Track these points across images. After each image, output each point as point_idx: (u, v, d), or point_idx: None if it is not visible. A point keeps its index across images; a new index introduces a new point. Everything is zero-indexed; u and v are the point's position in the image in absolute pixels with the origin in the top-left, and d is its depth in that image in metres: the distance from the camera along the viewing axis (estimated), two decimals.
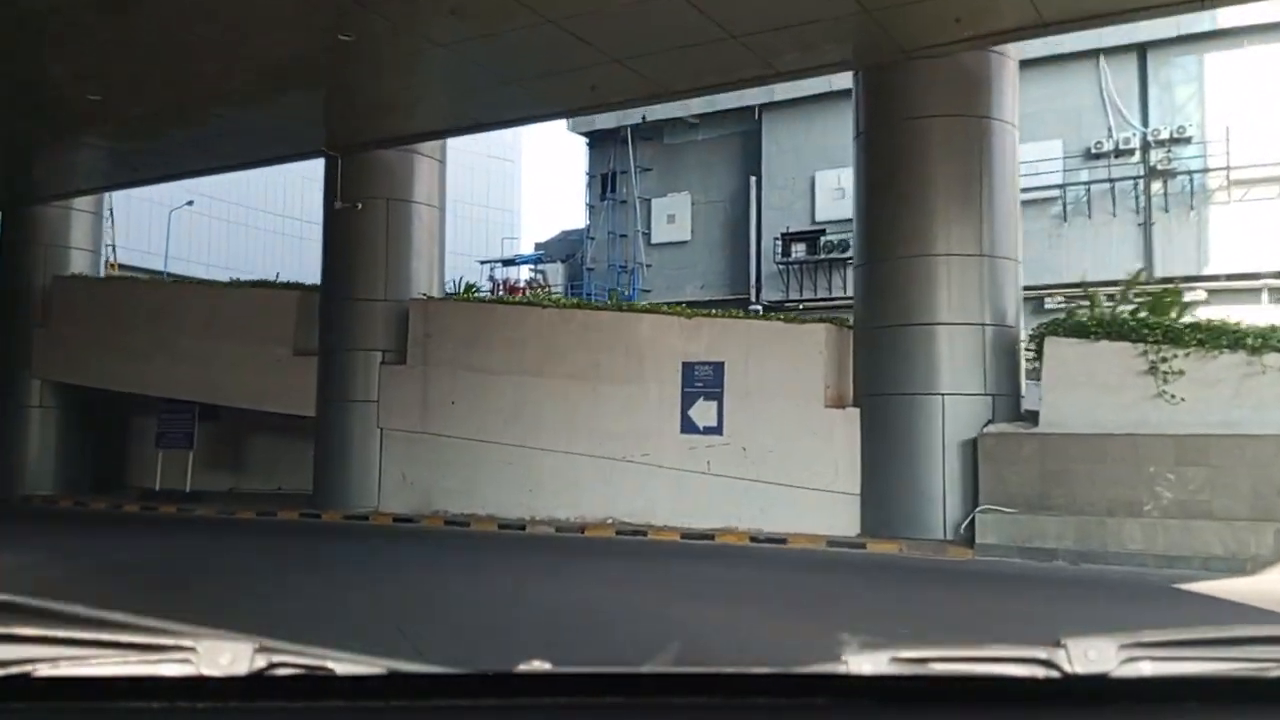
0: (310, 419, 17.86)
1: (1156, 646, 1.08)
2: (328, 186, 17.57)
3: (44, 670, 1.03)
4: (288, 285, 19.00)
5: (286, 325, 18.45)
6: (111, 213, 41.25)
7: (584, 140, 42.03)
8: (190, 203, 41.58)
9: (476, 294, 17.43)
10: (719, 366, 14.36)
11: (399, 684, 1.07)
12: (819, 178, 29.11)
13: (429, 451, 16.61)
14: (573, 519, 15.15)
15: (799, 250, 27.26)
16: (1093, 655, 1.06)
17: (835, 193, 28.04)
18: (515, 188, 68.70)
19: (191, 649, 1.03)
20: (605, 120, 40.60)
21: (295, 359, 18.26)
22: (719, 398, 14.30)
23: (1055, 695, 1.07)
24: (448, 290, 18.06)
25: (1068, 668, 1.05)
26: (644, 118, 38.67)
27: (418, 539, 14.42)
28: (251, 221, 42.07)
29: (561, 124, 41.56)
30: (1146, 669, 1.07)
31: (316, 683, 1.05)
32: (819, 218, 28.48)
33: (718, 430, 14.28)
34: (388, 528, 15.75)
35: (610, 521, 14.80)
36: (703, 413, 14.39)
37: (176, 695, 1.04)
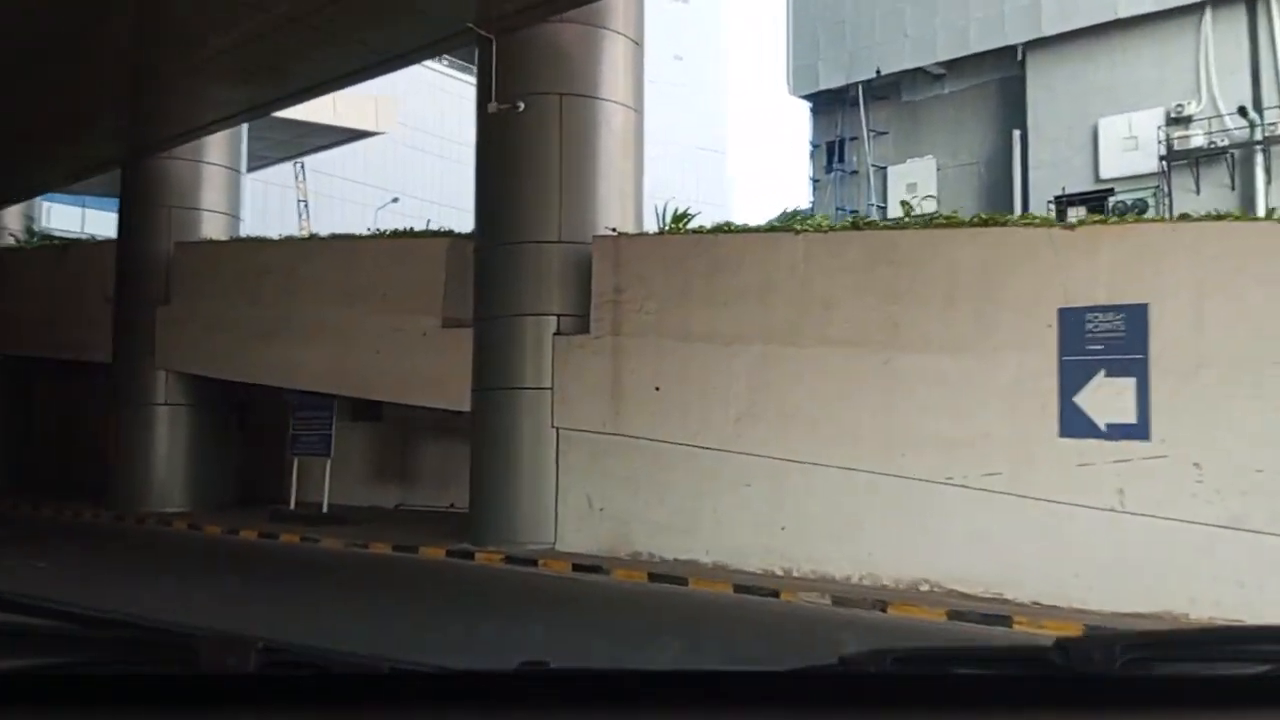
0: (468, 415, 12.53)
1: (1156, 646, 1.07)
2: (480, 84, 12.11)
3: (44, 670, 1.01)
4: (433, 233, 13.69)
5: (433, 286, 13.20)
6: (303, 167, 38.68)
7: (806, 105, 35.90)
8: (395, 200, 38.34)
9: (688, 224, 11.37)
10: (1138, 314, 7.68)
11: (399, 684, 1.06)
12: (1103, 126, 23.04)
13: (625, 463, 10.82)
14: (858, 580, 8.93)
15: (1078, 215, 21.41)
16: (1093, 655, 1.03)
17: (1126, 143, 23.70)
18: (724, 180, 62.86)
19: (192, 649, 1.01)
20: (831, 77, 34.40)
21: (445, 333, 12.96)
22: (1140, 372, 7.62)
23: (1055, 695, 1.04)
24: (652, 227, 12.18)
25: (1068, 668, 1.03)
26: (878, 71, 32.29)
27: (604, 610, 8.62)
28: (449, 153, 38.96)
29: (781, 88, 35.61)
30: (1146, 669, 1.05)
31: (317, 682, 1.04)
32: (1104, 174, 23.88)
33: (1139, 432, 7.61)
34: (561, 583, 10.09)
35: (927, 588, 8.46)
36: (1107, 399, 7.79)
37: (178, 695, 1.01)
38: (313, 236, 15.30)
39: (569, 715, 1.03)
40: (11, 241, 21.11)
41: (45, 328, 19.64)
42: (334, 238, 14.88)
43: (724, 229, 10.77)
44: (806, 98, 35.93)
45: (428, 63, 34.65)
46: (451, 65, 38.53)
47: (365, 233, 14.13)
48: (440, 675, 1.06)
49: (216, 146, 17.57)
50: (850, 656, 1.06)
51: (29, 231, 20.95)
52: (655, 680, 1.06)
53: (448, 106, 40.38)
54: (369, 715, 1.03)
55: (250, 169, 29.87)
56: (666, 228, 11.53)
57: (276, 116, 27.88)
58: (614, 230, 11.42)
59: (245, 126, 18.81)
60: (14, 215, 21.91)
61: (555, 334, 11.62)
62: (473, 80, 13.09)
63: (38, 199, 24.50)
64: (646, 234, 11.38)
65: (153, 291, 17.12)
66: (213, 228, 17.20)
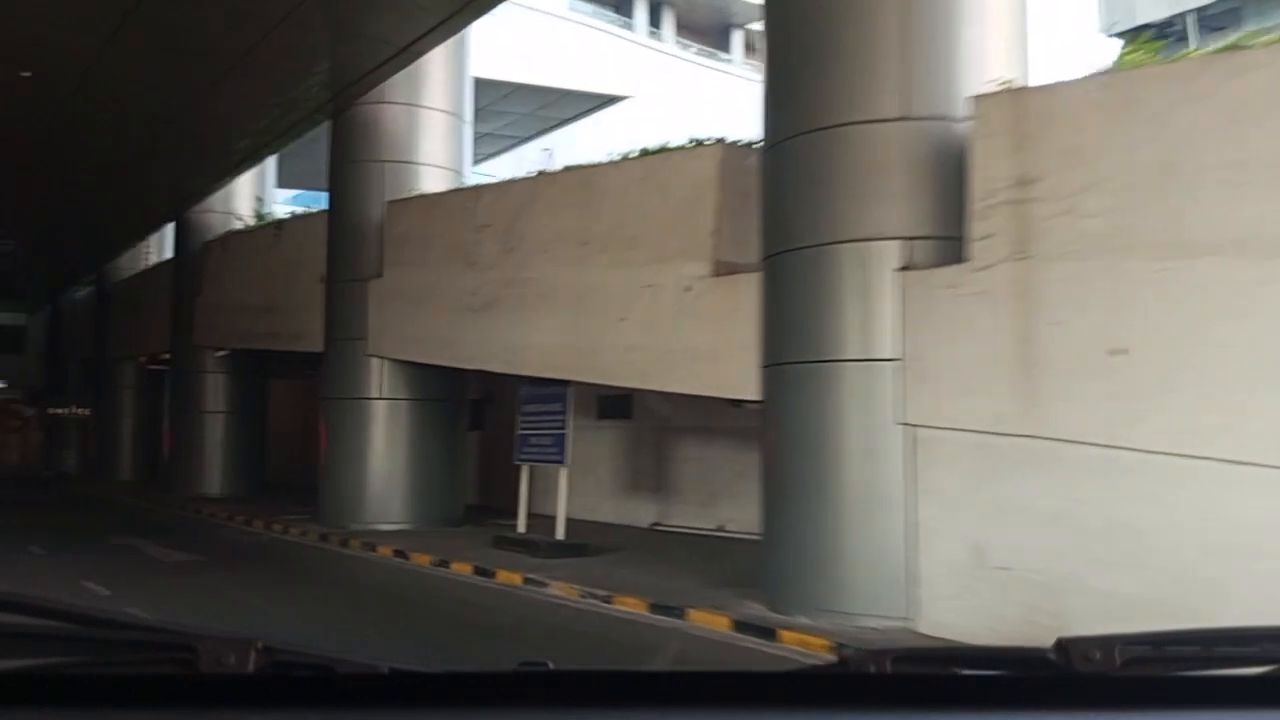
0: (746, 409, 8.18)
1: (1156, 646, 1.05)
2: None
3: (44, 670, 1.01)
4: (696, 144, 9.33)
5: (698, 220, 8.92)
6: (550, 154, 35.64)
7: (1118, 45, 29.06)
8: None
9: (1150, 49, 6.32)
10: None
11: (399, 684, 1.04)
12: None
13: (1049, 488, 5.99)
14: None
15: None
16: (1093, 655, 1.03)
17: None
18: None
19: (193, 649, 1.00)
20: (1151, 8, 27.67)
21: (716, 286, 8.64)
22: None
23: (1055, 695, 1.03)
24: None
25: (1068, 667, 1.03)
26: None
27: None
28: None
29: (1086, 26, 29.21)
30: (1146, 669, 1.05)
31: (317, 683, 1.03)
32: None
33: None
34: None
35: None
36: None
37: (176, 695, 1.01)
38: (540, 173, 11.40)
39: (569, 716, 1.01)
40: (238, 225, 19.06)
41: (264, 316, 17.27)
42: (565, 170, 10.89)
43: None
44: (1120, 35, 29.31)
45: (657, 45, 30.83)
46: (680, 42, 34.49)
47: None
48: (440, 676, 1.03)
49: (435, 87, 14.28)
50: (850, 656, 1.05)
51: (258, 215, 18.82)
52: (655, 681, 1.05)
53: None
54: (369, 715, 1.01)
55: (490, 155, 27.36)
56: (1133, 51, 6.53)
57: (519, 84, 25.25)
58: (1005, 84, 6.58)
59: (470, 72, 15.50)
60: (245, 197, 19.95)
61: (900, 269, 6.96)
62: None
63: (270, 190, 22.69)
64: (1077, 80, 6.38)
65: (364, 264, 14.03)
66: (433, 186, 13.86)
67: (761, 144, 8.04)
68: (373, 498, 13.81)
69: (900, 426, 6.87)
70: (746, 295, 8.16)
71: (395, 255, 13.60)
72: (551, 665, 1.05)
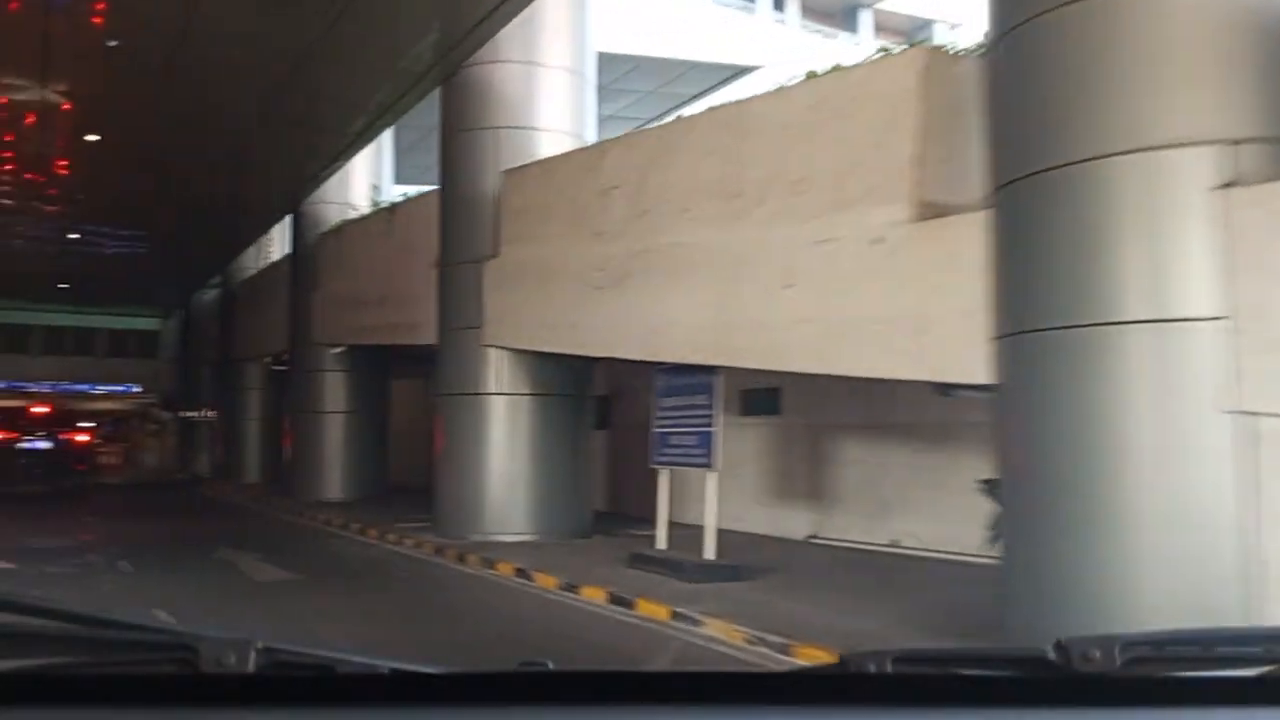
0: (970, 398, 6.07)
1: (1156, 646, 1.05)
2: None
3: (44, 670, 1.01)
4: (884, 54, 7.19)
5: (890, 151, 6.82)
6: None
7: None
8: None
9: None
10: None
11: (399, 684, 1.04)
12: None
13: None
14: None
15: None
16: (1093, 655, 1.01)
17: None
18: None
19: (192, 649, 1.00)
20: None
21: (917, 234, 6.53)
22: None
23: (1055, 695, 1.03)
24: None
25: (1068, 668, 1.02)
26: None
27: None
28: None
29: None
30: (1146, 669, 1.04)
31: (317, 683, 1.02)
32: None
33: None
34: None
35: None
36: None
37: (176, 695, 1.00)
38: (677, 119, 9.51)
39: (569, 716, 1.01)
40: (352, 214, 17.88)
41: (380, 308, 15.95)
42: (709, 111, 8.90)
43: None
44: None
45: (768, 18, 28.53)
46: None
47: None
48: (440, 676, 1.02)
49: (553, 42, 12.58)
50: (850, 656, 1.04)
51: (374, 205, 17.62)
52: (655, 681, 1.06)
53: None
54: (369, 715, 1.00)
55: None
56: None
57: (642, 57, 23.52)
58: None
59: (592, 29, 13.76)
60: (360, 187, 18.80)
61: (1219, 188, 4.74)
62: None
63: (389, 187, 21.55)
64: None
65: (478, 243, 12.43)
66: (552, 153, 12.13)
67: (984, 41, 5.91)
68: (492, 505, 12.19)
69: (1228, 416, 4.65)
70: (965, 243, 6.05)
71: (512, 231, 11.93)
72: (551, 665, 1.04)
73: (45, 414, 20.61)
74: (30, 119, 15.57)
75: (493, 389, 12.31)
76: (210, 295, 30.15)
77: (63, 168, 18.93)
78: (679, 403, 9.53)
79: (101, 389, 34.38)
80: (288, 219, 21.18)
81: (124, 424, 42.56)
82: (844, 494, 11.89)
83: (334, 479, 18.67)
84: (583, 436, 12.64)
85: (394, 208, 15.76)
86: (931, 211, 6.53)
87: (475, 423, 12.37)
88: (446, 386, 12.72)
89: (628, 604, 7.97)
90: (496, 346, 12.19)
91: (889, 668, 1.03)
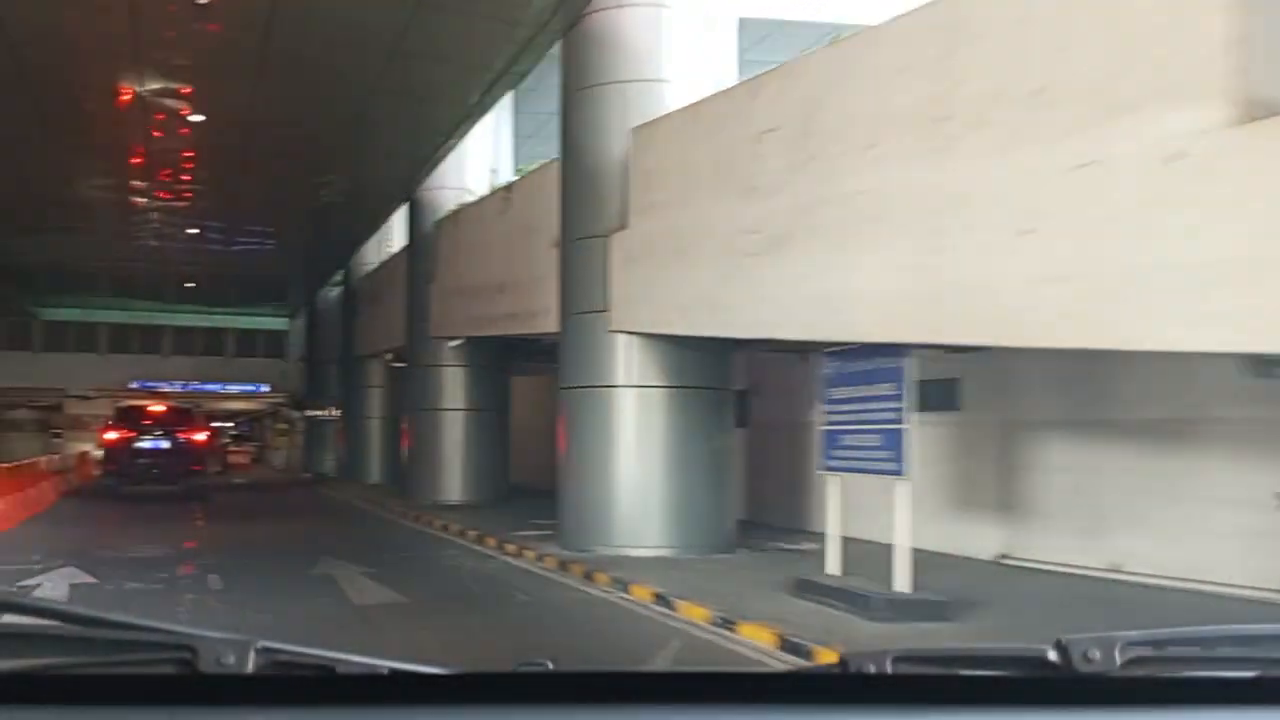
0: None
1: (1156, 646, 1.04)
2: None
3: (44, 670, 1.00)
4: None
5: (1190, 27, 4.75)
6: None
7: None
8: None
9: None
10: None
11: (399, 684, 1.03)
12: None
13: None
14: None
15: None
16: (1093, 655, 1.01)
17: None
18: None
19: (192, 649, 0.99)
20: None
21: (1245, 141, 4.44)
22: None
23: (1055, 695, 1.03)
24: None
25: (1068, 668, 1.01)
26: None
27: None
28: None
29: None
30: (1147, 669, 1.03)
31: (317, 682, 1.01)
32: None
33: None
34: None
35: None
36: None
37: (176, 695, 1.00)
38: (856, 33, 7.62)
39: (569, 715, 1.00)
40: (469, 200, 16.57)
41: (499, 296, 14.54)
42: (902, 18, 6.90)
43: None
44: None
45: None
46: None
47: None
48: (440, 676, 1.02)
49: None
50: (850, 656, 1.04)
51: (492, 188, 16.29)
52: (655, 680, 1.07)
53: None
54: (369, 715, 1.00)
55: None
56: None
57: (781, 21, 21.57)
58: None
59: None
60: (478, 171, 17.51)
61: None
62: None
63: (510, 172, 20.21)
64: None
65: (604, 215, 10.80)
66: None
67: None
68: (622, 514, 10.55)
69: None
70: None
71: (643, 198, 10.24)
72: (551, 665, 1.04)
73: (162, 413, 20.05)
74: (159, 117, 15.12)
75: (621, 381, 10.66)
76: (334, 293, 29.69)
77: (188, 166, 18.45)
78: (855, 394, 7.62)
79: (232, 388, 34.50)
80: (405, 213, 20.19)
81: (256, 423, 43.06)
82: (1044, 506, 9.75)
83: (452, 480, 17.45)
84: (723, 436, 10.86)
85: (511, 185, 14.31)
86: (1261, 110, 4.47)
87: (602, 420, 10.75)
88: (570, 379, 11.14)
89: (805, 653, 6.12)
90: (625, 332, 10.53)
91: (889, 668, 1.01)
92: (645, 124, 10.18)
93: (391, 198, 19.54)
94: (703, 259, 9.15)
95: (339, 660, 1.01)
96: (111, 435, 19.37)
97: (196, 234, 24.01)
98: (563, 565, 9.91)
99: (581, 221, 11.07)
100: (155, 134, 15.86)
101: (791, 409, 12.82)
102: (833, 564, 7.88)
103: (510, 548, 11.32)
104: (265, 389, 34.45)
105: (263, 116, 14.90)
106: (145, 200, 21.08)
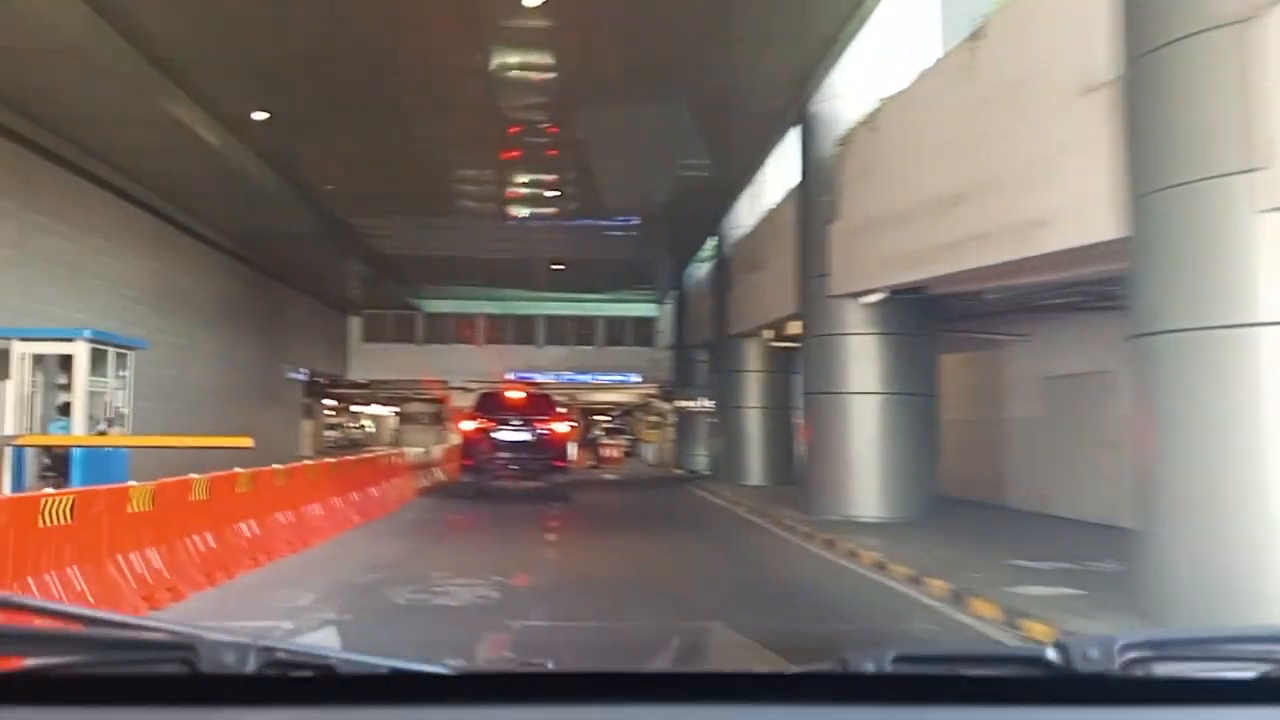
0: None
1: (1156, 646, 1.03)
2: None
3: (44, 670, 1.00)
4: None
5: None
6: None
7: None
8: None
9: None
10: None
11: (399, 684, 1.02)
12: None
13: None
14: None
15: None
16: (1093, 655, 1.00)
17: None
18: None
19: (192, 649, 0.97)
20: None
21: None
22: None
23: (1055, 695, 1.01)
24: None
25: (1068, 668, 1.00)
26: None
27: None
28: None
29: None
30: (1146, 669, 1.02)
31: (317, 682, 1.00)
32: None
33: None
34: None
35: None
36: None
37: (176, 695, 0.98)
38: None
39: (569, 715, 0.99)
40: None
41: (950, 213, 9.41)
42: None
43: None
44: None
45: None
46: None
47: None
48: (440, 676, 1.01)
49: None
50: (850, 656, 1.02)
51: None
52: (655, 680, 1.05)
53: None
54: (369, 715, 0.99)
55: None
56: None
57: None
58: None
59: None
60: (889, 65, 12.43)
61: None
62: None
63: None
64: None
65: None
66: None
67: None
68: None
69: None
70: None
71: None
72: (551, 665, 1.09)
73: (522, 401, 17.20)
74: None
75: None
76: (702, 271, 26.15)
77: (550, 132, 15.72)
78: None
79: (603, 378, 32.25)
80: (781, 161, 15.64)
81: (628, 416, 41.15)
82: None
83: (865, 488, 12.60)
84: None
85: (980, 30, 8.96)
86: None
87: (1218, 410, 5.27)
88: (1142, 334, 5.75)
89: None
90: None
91: (889, 667, 1.01)
92: None
93: (774, 120, 14.99)
94: None
95: (339, 660, 0.99)
96: (468, 426, 16.76)
97: (563, 215, 21.51)
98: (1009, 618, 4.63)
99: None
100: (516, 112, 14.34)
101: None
102: None
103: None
104: (635, 379, 31.81)
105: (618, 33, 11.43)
106: (514, 181, 18.99)
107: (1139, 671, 1.01)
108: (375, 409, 51.39)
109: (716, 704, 1.01)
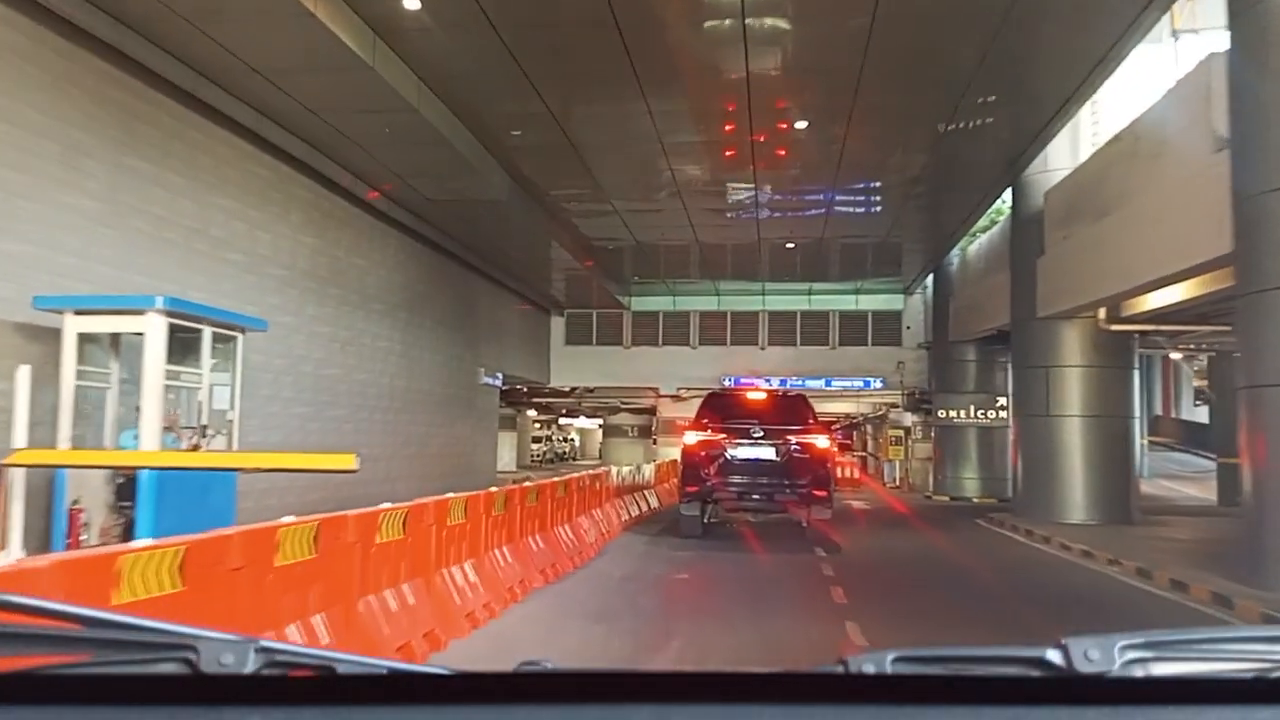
0: None
1: (1157, 646, 0.99)
2: None
3: (44, 670, 0.96)
4: None
5: None
6: None
7: None
8: None
9: None
10: None
11: (399, 684, 0.99)
12: None
13: None
14: None
15: None
16: (1093, 655, 0.97)
17: None
18: None
19: (191, 649, 0.95)
20: None
21: None
22: None
23: (1055, 695, 0.98)
24: None
25: (1068, 668, 0.96)
26: None
27: None
28: None
29: None
30: (1147, 669, 0.98)
31: (317, 683, 0.97)
32: None
33: None
34: None
35: None
36: None
37: (176, 695, 0.95)
38: None
39: (569, 715, 0.96)
40: None
41: None
42: None
43: None
44: None
45: None
46: None
47: None
48: (440, 675, 0.97)
49: None
50: (850, 656, 0.98)
51: None
52: (655, 680, 1.00)
53: None
54: (368, 715, 0.96)
55: None
56: None
57: None
58: None
59: None
60: None
61: None
62: None
63: None
64: None
65: None
66: None
67: None
68: None
69: None
70: None
71: None
72: (551, 665, 1.01)
73: (764, 406, 12.53)
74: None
75: None
76: (979, 246, 20.61)
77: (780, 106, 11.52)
78: None
79: (838, 384, 26.92)
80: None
81: (855, 429, 35.51)
82: None
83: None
84: None
85: None
86: None
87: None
88: None
89: None
90: None
91: (889, 668, 0.98)
92: None
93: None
94: None
95: (339, 660, 0.98)
96: (692, 439, 12.12)
97: (795, 194, 16.86)
98: None
99: None
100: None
101: None
102: None
103: None
104: (877, 384, 26.27)
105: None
106: (741, 157, 14.67)
107: (1139, 672, 0.97)
108: (582, 421, 48.37)
109: (716, 704, 0.95)
